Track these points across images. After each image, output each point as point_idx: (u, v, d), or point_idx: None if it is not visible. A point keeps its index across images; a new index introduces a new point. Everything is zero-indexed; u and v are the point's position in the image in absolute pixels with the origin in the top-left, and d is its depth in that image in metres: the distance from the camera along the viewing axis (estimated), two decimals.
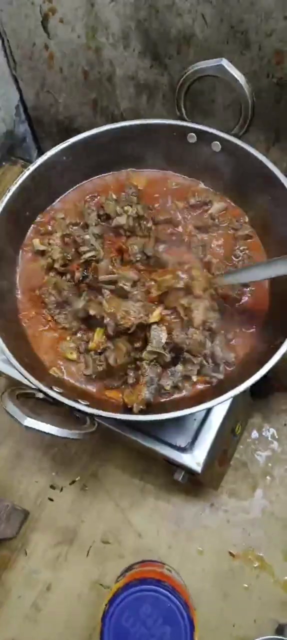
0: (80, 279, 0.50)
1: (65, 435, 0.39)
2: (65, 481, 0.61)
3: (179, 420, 0.51)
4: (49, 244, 0.54)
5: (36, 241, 0.55)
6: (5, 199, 0.52)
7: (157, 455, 0.51)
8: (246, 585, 0.54)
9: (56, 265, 0.52)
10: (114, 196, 0.56)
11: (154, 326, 0.46)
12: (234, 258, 0.53)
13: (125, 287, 0.48)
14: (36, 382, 0.43)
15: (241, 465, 0.60)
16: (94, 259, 0.51)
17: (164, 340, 0.45)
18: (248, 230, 0.54)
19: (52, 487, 0.61)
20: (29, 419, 0.38)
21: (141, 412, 0.44)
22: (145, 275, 0.50)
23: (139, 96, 0.70)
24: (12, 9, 0.69)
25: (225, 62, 0.47)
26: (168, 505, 0.59)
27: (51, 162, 0.55)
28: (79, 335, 0.50)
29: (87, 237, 0.52)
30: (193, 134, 0.53)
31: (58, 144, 0.55)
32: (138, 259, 0.51)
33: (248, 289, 0.51)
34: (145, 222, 0.54)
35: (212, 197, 0.55)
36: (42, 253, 0.55)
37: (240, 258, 0.53)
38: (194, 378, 0.46)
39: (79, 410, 0.42)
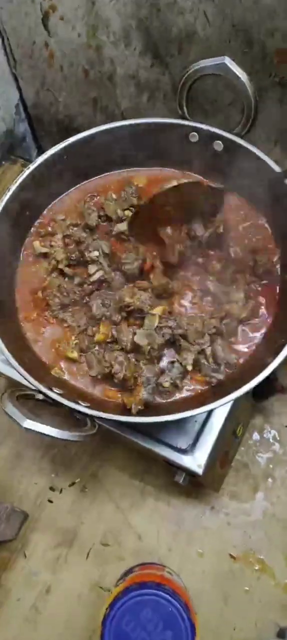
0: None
1: (65, 437, 0.39)
2: (65, 482, 0.60)
3: (180, 422, 0.50)
4: (51, 245, 0.53)
5: (37, 243, 0.55)
6: (5, 198, 0.52)
7: (158, 456, 0.51)
8: (247, 588, 0.54)
9: (61, 266, 0.52)
10: (114, 196, 0.56)
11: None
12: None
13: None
14: (36, 383, 0.42)
15: (242, 467, 0.60)
16: (103, 278, 0.51)
17: (155, 324, 0.46)
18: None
19: (51, 488, 0.60)
20: (28, 420, 0.38)
21: (140, 412, 0.44)
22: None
23: (140, 95, 0.69)
24: (12, 6, 0.69)
25: (227, 61, 0.46)
26: (168, 506, 0.58)
27: (51, 161, 0.55)
28: (86, 331, 0.50)
29: (96, 253, 0.51)
30: (195, 133, 0.53)
31: (58, 143, 0.55)
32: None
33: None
34: None
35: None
36: (44, 255, 0.54)
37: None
38: (189, 367, 0.46)
39: (80, 412, 0.42)
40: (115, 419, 0.42)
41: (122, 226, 0.54)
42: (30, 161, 0.65)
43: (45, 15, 0.67)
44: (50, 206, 0.57)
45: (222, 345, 0.47)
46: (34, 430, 0.38)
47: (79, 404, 0.42)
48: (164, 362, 0.47)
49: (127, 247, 0.54)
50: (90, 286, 0.51)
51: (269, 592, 0.54)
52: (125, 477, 0.60)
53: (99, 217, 0.55)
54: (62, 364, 0.49)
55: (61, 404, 0.42)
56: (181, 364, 0.46)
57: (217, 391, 0.46)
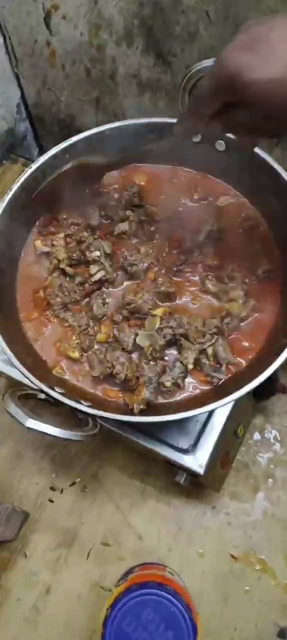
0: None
1: (67, 437, 0.39)
2: (65, 482, 0.60)
3: (181, 422, 0.50)
4: (53, 245, 0.53)
5: (38, 242, 0.55)
6: (7, 197, 0.51)
7: (159, 456, 0.50)
8: (247, 588, 0.54)
9: (62, 266, 0.52)
10: (116, 196, 0.56)
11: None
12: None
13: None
14: (38, 382, 0.42)
15: (242, 467, 0.60)
16: (104, 278, 0.51)
17: (157, 325, 0.47)
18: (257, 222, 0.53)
19: (52, 488, 0.60)
20: (31, 420, 0.37)
21: (143, 412, 0.44)
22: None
23: (142, 94, 0.69)
24: (14, 5, 0.69)
25: None
26: (169, 507, 0.58)
27: (53, 161, 0.54)
28: (87, 331, 0.50)
29: (97, 253, 0.51)
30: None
31: (59, 142, 0.55)
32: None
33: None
34: (148, 226, 0.54)
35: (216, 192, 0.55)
36: (46, 254, 0.54)
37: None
38: (190, 366, 0.46)
39: (81, 411, 0.42)
40: (117, 418, 0.42)
41: (124, 226, 0.54)
42: (31, 160, 0.65)
43: (47, 14, 0.67)
44: (52, 206, 0.57)
45: (223, 345, 0.47)
46: (36, 430, 0.38)
47: (80, 403, 0.42)
48: (165, 362, 0.47)
49: (129, 247, 0.53)
50: (92, 286, 0.51)
51: (269, 592, 0.54)
52: (125, 478, 0.60)
53: (101, 216, 0.55)
54: (64, 364, 0.49)
55: (63, 404, 0.42)
56: (182, 363, 0.46)
57: (218, 391, 0.46)
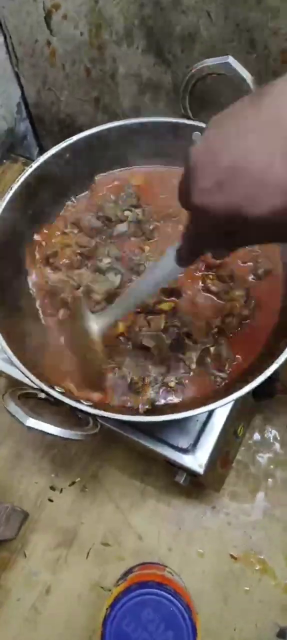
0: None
1: (68, 436, 0.38)
2: (65, 482, 0.60)
3: (181, 422, 0.50)
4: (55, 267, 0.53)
5: (49, 274, 0.54)
6: (8, 196, 0.51)
7: (159, 456, 0.50)
8: (247, 588, 0.54)
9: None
10: (113, 197, 0.56)
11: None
12: None
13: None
14: (38, 381, 0.42)
15: (242, 467, 0.60)
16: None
17: (162, 325, 0.47)
18: None
19: (52, 488, 0.60)
20: (31, 419, 0.37)
21: (146, 412, 0.44)
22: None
23: (142, 94, 0.69)
24: (14, 5, 0.69)
25: (231, 60, 0.46)
26: (168, 507, 0.58)
27: (54, 160, 0.54)
28: None
29: (109, 260, 0.51)
30: (198, 133, 0.53)
31: (59, 142, 0.55)
32: None
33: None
34: (147, 226, 0.54)
35: None
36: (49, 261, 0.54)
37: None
38: (193, 366, 0.46)
39: (82, 411, 0.42)
40: (117, 418, 0.42)
41: (123, 227, 0.54)
42: (31, 160, 0.65)
43: (48, 13, 0.67)
44: (54, 205, 0.57)
45: (225, 345, 0.47)
46: (36, 429, 0.38)
47: (81, 402, 0.42)
48: (169, 362, 0.47)
49: (131, 246, 0.53)
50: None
51: (269, 592, 0.54)
52: (125, 478, 0.60)
53: (98, 218, 0.55)
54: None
55: (63, 403, 0.42)
56: (185, 362, 0.46)
57: (218, 391, 0.46)
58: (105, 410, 0.42)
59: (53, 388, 0.43)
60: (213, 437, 0.50)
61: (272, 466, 0.60)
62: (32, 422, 0.38)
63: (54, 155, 0.55)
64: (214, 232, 0.31)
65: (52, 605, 0.54)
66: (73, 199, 0.58)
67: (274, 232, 0.29)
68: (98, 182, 0.59)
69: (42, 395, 0.43)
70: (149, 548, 0.56)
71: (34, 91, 0.80)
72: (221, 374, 0.46)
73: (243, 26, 0.53)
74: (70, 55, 0.70)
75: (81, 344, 0.46)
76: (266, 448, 0.61)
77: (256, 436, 0.61)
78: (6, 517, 0.54)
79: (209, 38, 0.57)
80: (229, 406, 0.50)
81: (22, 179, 0.53)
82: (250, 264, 0.51)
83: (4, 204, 0.51)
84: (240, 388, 0.42)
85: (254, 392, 0.44)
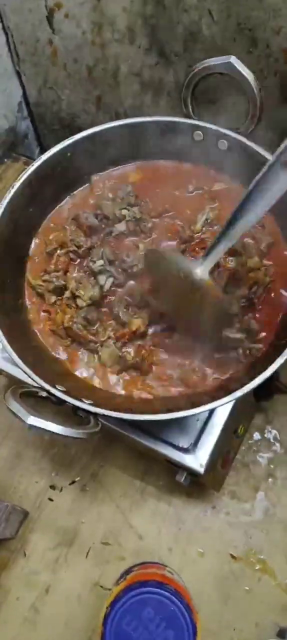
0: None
1: (69, 434, 0.38)
2: (65, 481, 0.60)
3: (182, 421, 0.50)
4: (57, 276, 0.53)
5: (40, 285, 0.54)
6: (9, 195, 0.51)
7: (159, 456, 0.50)
8: (247, 588, 0.54)
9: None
10: (111, 195, 0.56)
11: None
12: None
13: None
14: (40, 380, 0.42)
15: (242, 467, 0.60)
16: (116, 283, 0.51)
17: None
18: None
19: (52, 487, 0.60)
20: (32, 417, 0.37)
21: (144, 412, 0.44)
22: None
23: (144, 93, 0.69)
24: (16, 3, 0.69)
25: (233, 60, 0.46)
26: (169, 506, 0.58)
27: (56, 158, 0.54)
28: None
29: (101, 262, 0.51)
30: (200, 132, 0.53)
31: (60, 141, 0.55)
32: None
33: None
34: (145, 224, 0.54)
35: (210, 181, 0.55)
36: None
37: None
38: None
39: (83, 410, 0.42)
40: (118, 416, 0.42)
41: (121, 226, 0.54)
42: (32, 159, 0.65)
43: (50, 12, 0.67)
44: (54, 203, 0.57)
45: (253, 316, 0.47)
46: (38, 427, 0.38)
47: (82, 401, 0.42)
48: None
49: (125, 247, 0.53)
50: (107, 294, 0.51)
51: (269, 592, 0.53)
52: (125, 477, 0.60)
53: (96, 216, 0.55)
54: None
55: (64, 402, 0.42)
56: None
57: (219, 390, 0.46)
58: (106, 408, 0.42)
59: (54, 386, 0.42)
60: (214, 436, 0.50)
61: (272, 466, 0.60)
62: (33, 420, 0.37)
63: (55, 154, 0.55)
64: None
65: (52, 605, 0.54)
66: (72, 195, 0.58)
67: None
68: (97, 180, 0.58)
69: (43, 394, 0.43)
70: (149, 548, 0.56)
71: (35, 90, 0.80)
72: (255, 345, 0.46)
73: (245, 25, 0.54)
74: (72, 54, 0.70)
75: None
76: (266, 448, 0.61)
77: (256, 436, 0.61)
78: (6, 516, 0.54)
79: (211, 37, 0.57)
80: (230, 405, 0.50)
81: (23, 177, 0.53)
82: (250, 241, 0.51)
83: (5, 202, 0.51)
84: (241, 387, 0.41)
85: (255, 391, 0.44)
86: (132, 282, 0.52)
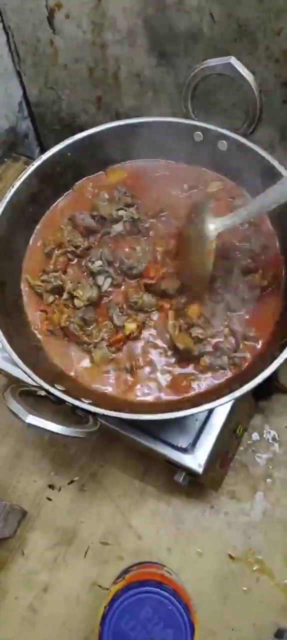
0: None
1: (68, 433, 0.38)
2: (64, 481, 0.60)
3: (181, 421, 0.50)
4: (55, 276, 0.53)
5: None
6: (9, 194, 0.51)
7: (158, 455, 0.50)
8: (246, 588, 0.54)
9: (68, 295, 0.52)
10: (107, 196, 0.56)
11: None
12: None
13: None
14: (39, 380, 0.42)
15: (241, 467, 0.60)
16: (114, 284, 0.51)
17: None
18: (244, 199, 0.54)
19: (50, 486, 0.60)
20: (31, 416, 0.37)
21: (142, 411, 0.44)
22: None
23: (144, 94, 0.69)
24: (16, 3, 0.69)
25: (234, 61, 0.46)
26: (168, 506, 0.58)
27: (56, 158, 0.54)
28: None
29: (99, 263, 0.51)
30: (199, 133, 0.53)
31: (60, 141, 0.55)
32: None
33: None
34: (142, 224, 0.54)
35: (206, 180, 0.55)
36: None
37: (246, 227, 0.52)
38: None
39: (82, 409, 0.42)
40: (116, 415, 0.42)
41: (119, 227, 0.54)
42: (32, 159, 0.65)
43: (50, 12, 0.67)
44: (54, 203, 0.57)
45: (238, 320, 0.47)
46: (37, 426, 0.38)
47: (81, 400, 0.42)
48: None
49: (124, 246, 0.53)
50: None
51: (268, 592, 0.54)
52: (125, 477, 0.60)
53: (93, 217, 0.55)
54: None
55: (63, 401, 0.42)
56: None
57: (218, 390, 0.46)
58: (105, 408, 0.42)
59: (53, 386, 0.43)
60: (212, 436, 0.50)
61: (271, 466, 0.60)
62: (32, 419, 0.38)
63: (55, 154, 0.55)
64: None
65: (50, 605, 0.54)
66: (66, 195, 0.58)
67: None
68: (98, 181, 0.58)
69: (43, 393, 0.43)
70: (148, 547, 0.56)
71: (35, 90, 0.80)
72: (237, 354, 0.47)
73: (245, 27, 0.54)
74: (72, 54, 0.70)
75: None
76: (265, 448, 0.61)
77: (255, 436, 0.61)
78: (4, 515, 0.54)
79: (212, 38, 0.57)
80: (229, 405, 0.50)
81: (23, 177, 0.53)
82: (246, 244, 0.51)
83: (5, 202, 0.51)
84: (239, 387, 0.42)
85: (254, 391, 0.44)
86: (130, 282, 0.52)
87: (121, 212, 0.54)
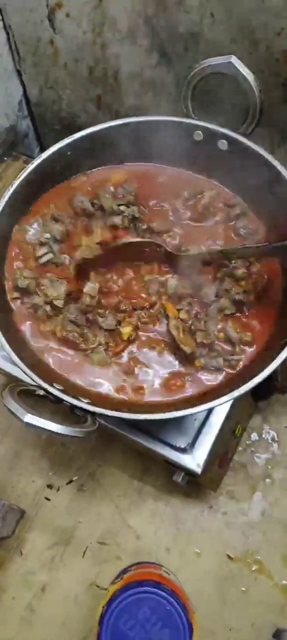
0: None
1: (66, 433, 0.38)
2: (62, 481, 0.60)
3: (179, 421, 0.50)
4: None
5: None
6: (8, 193, 0.51)
7: (157, 455, 0.50)
8: (244, 589, 0.54)
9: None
10: (112, 189, 0.56)
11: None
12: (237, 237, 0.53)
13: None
14: (37, 379, 0.42)
15: (240, 467, 0.60)
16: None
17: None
18: (241, 207, 0.54)
19: (49, 486, 0.60)
20: (29, 415, 0.37)
21: (141, 411, 0.44)
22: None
23: (144, 93, 0.69)
24: (17, 2, 0.69)
25: (234, 60, 0.46)
26: (167, 507, 0.58)
27: (55, 157, 0.54)
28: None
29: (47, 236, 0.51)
30: (200, 132, 0.53)
31: (60, 140, 0.55)
32: None
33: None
34: (140, 224, 0.54)
35: (203, 187, 0.55)
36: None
37: (244, 234, 0.52)
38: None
39: (80, 409, 0.42)
40: (115, 415, 0.42)
41: (117, 219, 0.54)
42: (32, 158, 0.65)
43: (51, 11, 0.67)
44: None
45: (232, 326, 0.47)
46: (35, 426, 0.37)
47: (80, 400, 0.42)
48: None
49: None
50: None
51: (266, 593, 0.53)
52: (123, 477, 0.60)
53: (93, 204, 0.55)
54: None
55: (62, 401, 0.42)
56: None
57: (218, 390, 0.46)
58: (103, 408, 0.42)
59: (52, 385, 0.42)
60: (211, 436, 0.50)
61: (270, 467, 0.60)
62: (30, 419, 0.37)
63: (54, 153, 0.55)
64: None
65: (48, 605, 0.54)
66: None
67: None
68: (98, 180, 0.58)
69: (41, 392, 0.43)
70: (146, 548, 0.56)
71: (35, 89, 0.80)
72: (234, 357, 0.47)
73: (246, 26, 0.54)
74: (73, 53, 0.70)
75: None
76: (264, 449, 0.61)
77: (254, 436, 0.61)
78: (3, 515, 0.54)
79: (212, 38, 0.57)
80: (228, 405, 0.50)
81: (23, 175, 0.53)
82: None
83: (4, 200, 0.51)
84: (239, 387, 0.41)
85: (253, 391, 0.44)
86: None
87: (123, 207, 0.54)
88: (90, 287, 0.50)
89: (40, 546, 0.57)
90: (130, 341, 0.49)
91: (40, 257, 0.52)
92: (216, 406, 0.43)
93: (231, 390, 0.41)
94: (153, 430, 0.50)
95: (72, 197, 0.55)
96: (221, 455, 0.54)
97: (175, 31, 0.59)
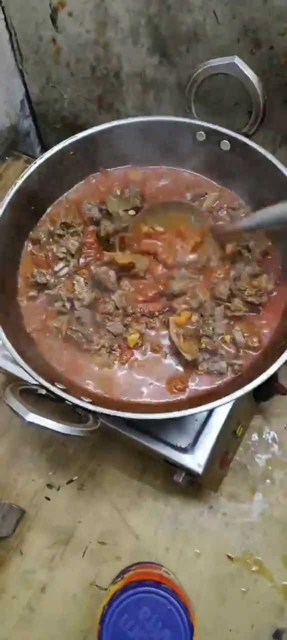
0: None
1: (68, 432, 0.38)
2: (62, 480, 0.60)
3: (180, 421, 0.50)
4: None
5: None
6: (11, 192, 0.51)
7: (157, 455, 0.50)
8: (244, 589, 0.54)
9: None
10: (118, 192, 0.56)
11: None
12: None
13: None
14: (39, 378, 0.42)
15: (240, 467, 0.60)
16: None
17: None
18: (244, 210, 0.54)
19: (49, 486, 0.60)
20: (32, 414, 0.37)
21: (142, 411, 0.44)
22: None
23: (146, 93, 0.69)
24: (20, 1, 0.69)
25: (237, 60, 0.46)
26: (166, 506, 0.58)
27: (58, 157, 0.54)
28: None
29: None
30: (202, 132, 0.53)
31: (62, 140, 0.55)
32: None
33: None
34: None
35: (206, 188, 0.55)
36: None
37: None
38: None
39: (82, 408, 0.41)
40: (117, 414, 0.42)
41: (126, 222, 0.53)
42: (33, 157, 0.65)
43: (53, 10, 0.67)
44: (55, 202, 0.57)
45: (240, 329, 0.47)
46: (37, 424, 0.37)
47: (81, 399, 0.42)
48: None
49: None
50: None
51: (265, 593, 0.53)
52: (123, 477, 0.60)
53: (100, 210, 0.55)
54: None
55: (64, 399, 0.42)
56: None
57: (219, 390, 0.46)
58: (105, 407, 0.42)
59: (54, 384, 0.42)
60: (212, 436, 0.50)
61: (270, 467, 0.60)
62: (33, 418, 0.37)
63: (57, 153, 0.55)
64: None
65: (48, 604, 0.54)
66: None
67: None
68: (100, 180, 0.58)
69: (43, 392, 0.43)
70: (146, 547, 0.56)
71: (37, 88, 0.80)
72: (237, 361, 0.47)
73: (249, 26, 0.54)
74: (75, 53, 0.70)
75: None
76: (265, 449, 0.61)
77: (254, 437, 0.61)
78: (2, 514, 0.54)
79: (215, 38, 0.57)
80: (229, 406, 0.50)
81: (26, 175, 0.53)
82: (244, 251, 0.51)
83: (7, 199, 0.51)
84: (240, 387, 0.41)
85: (254, 392, 0.44)
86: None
87: (131, 212, 0.54)
88: (118, 295, 0.49)
89: (40, 546, 0.57)
90: (136, 348, 0.48)
91: (58, 271, 0.52)
92: (217, 407, 0.43)
93: (233, 391, 0.41)
94: (154, 430, 0.50)
95: (80, 203, 0.55)
96: (221, 456, 0.54)
97: (177, 31, 0.59)
